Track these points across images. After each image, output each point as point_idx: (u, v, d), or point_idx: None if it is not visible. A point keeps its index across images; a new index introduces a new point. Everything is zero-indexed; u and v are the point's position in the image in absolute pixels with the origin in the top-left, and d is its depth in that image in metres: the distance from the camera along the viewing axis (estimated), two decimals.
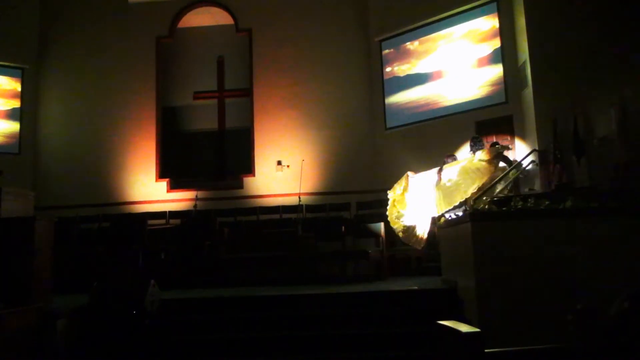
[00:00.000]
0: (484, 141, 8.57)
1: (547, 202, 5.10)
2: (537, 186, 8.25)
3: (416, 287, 6.10)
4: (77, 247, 8.60)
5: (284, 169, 11.49)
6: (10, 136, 11.64)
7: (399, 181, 7.97)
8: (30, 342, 5.13)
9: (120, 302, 5.71)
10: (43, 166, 11.87)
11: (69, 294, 6.56)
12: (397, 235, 7.84)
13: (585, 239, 4.76)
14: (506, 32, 9.55)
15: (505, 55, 9.54)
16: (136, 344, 5.29)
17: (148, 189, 11.72)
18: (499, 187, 7.39)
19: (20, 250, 5.56)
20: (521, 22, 8.89)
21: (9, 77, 11.81)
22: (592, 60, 7.70)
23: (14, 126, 11.70)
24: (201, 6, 12.45)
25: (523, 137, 9.15)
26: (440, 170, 7.66)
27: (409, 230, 7.65)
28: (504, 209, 5.12)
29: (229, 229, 9.21)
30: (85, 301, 5.62)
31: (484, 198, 5.90)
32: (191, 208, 10.78)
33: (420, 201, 7.66)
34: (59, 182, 11.61)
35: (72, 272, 7.46)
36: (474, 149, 8.00)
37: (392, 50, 11.37)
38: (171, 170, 12.07)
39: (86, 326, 5.45)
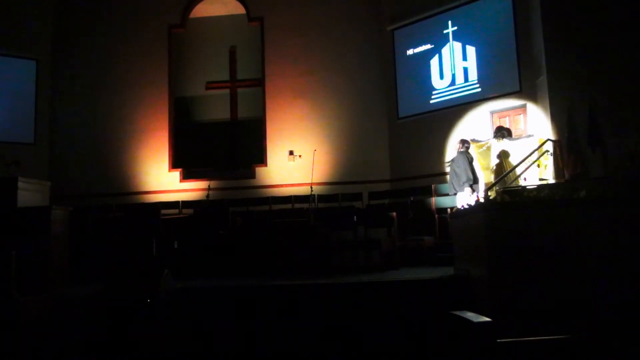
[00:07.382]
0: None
1: (561, 193, 5.06)
2: (552, 176, 8.17)
3: (428, 277, 6.09)
4: (92, 237, 8.69)
5: (296, 158, 11.49)
6: (26, 126, 11.73)
7: None
8: (46, 330, 5.22)
9: (135, 291, 5.78)
10: (58, 156, 11.97)
11: (84, 283, 6.65)
12: None
13: (599, 230, 4.71)
14: (521, 20, 9.39)
15: (520, 43, 9.40)
16: (149, 331, 5.36)
17: (161, 179, 11.80)
18: (512, 177, 7.34)
19: (36, 239, 5.64)
20: (536, 9, 8.76)
21: (24, 68, 11.88)
22: (609, 48, 7.56)
23: (29, 117, 11.79)
24: None
25: (537, 127, 9.04)
26: None
27: None
28: (517, 199, 5.08)
29: (241, 219, 9.24)
30: (100, 290, 5.70)
31: (497, 188, 5.87)
32: (204, 198, 10.83)
33: None
34: (73, 172, 11.71)
35: (87, 261, 7.54)
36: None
37: (404, 39, 11.27)
38: (184, 160, 12.13)
39: (101, 314, 5.53)
